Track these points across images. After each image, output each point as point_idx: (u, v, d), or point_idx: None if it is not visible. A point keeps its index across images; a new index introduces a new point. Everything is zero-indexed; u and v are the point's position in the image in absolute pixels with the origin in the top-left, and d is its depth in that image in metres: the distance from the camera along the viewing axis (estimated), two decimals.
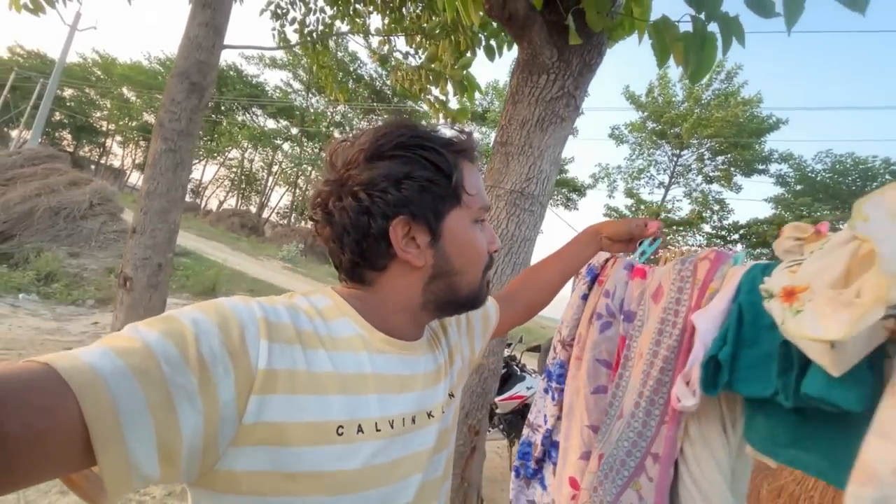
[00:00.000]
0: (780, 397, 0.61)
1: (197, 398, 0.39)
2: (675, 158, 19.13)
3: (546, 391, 1.13)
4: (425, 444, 0.56)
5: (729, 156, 17.65)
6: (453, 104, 3.72)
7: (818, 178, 17.25)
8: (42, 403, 0.32)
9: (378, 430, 0.50)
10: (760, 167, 17.96)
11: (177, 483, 0.41)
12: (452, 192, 0.55)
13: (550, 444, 1.09)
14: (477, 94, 3.57)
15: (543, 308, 0.93)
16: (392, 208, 0.53)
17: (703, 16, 1.30)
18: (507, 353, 3.28)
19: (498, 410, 3.04)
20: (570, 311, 1.11)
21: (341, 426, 0.47)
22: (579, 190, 22.33)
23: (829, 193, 16.87)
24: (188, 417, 0.38)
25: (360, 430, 0.48)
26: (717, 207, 18.29)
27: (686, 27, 1.33)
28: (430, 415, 0.58)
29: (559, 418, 1.07)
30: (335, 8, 3.95)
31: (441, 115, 3.65)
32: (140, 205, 2.58)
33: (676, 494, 0.79)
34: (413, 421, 0.55)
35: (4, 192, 6.63)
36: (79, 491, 0.38)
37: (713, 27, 1.31)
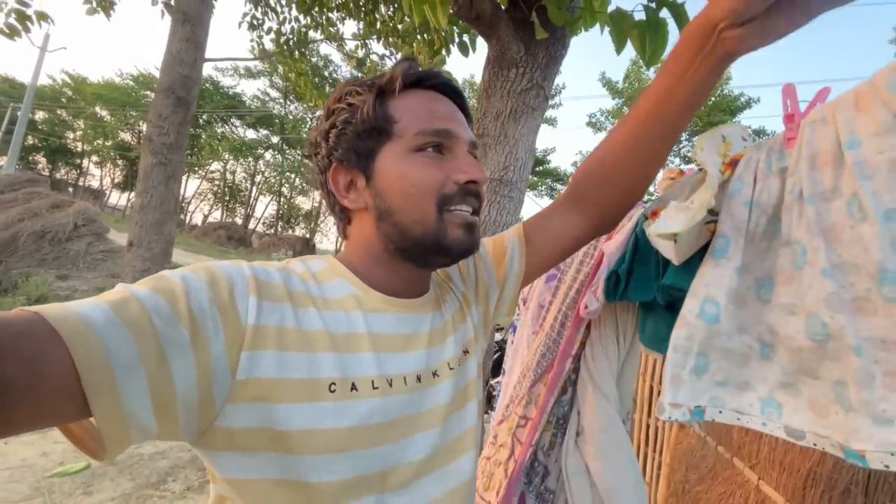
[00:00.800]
0: (658, 297, 0.79)
1: (188, 352, 0.39)
2: None
3: (511, 343, 1.29)
4: (436, 402, 0.55)
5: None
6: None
7: None
8: (36, 351, 0.32)
9: (375, 388, 0.49)
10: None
11: (177, 439, 0.42)
12: (373, 126, 0.53)
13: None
14: None
15: (633, 202, 0.68)
16: (326, 160, 0.56)
17: (653, 4, 1.42)
18: (498, 336, 3.39)
19: (495, 393, 3.16)
20: None
21: (333, 383, 0.46)
22: (562, 179, 22.60)
23: None
24: (180, 370, 0.38)
25: (353, 387, 0.47)
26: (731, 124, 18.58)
27: (640, 16, 1.45)
28: (435, 374, 0.56)
29: None
30: (308, 17, 4.01)
31: None
32: (135, 218, 2.64)
33: (573, 390, 1.04)
34: (418, 380, 0.53)
35: None
36: (79, 444, 0.37)
37: (664, 13, 1.43)
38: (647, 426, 2.24)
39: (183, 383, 0.38)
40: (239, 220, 31.20)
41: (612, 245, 0.92)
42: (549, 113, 20.29)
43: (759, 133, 17.78)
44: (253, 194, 31.63)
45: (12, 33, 3.04)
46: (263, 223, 33.37)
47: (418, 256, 0.55)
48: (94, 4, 3.76)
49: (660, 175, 0.89)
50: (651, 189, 0.87)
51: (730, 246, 0.61)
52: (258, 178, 31.02)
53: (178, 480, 2.42)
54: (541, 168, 21.81)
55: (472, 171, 0.53)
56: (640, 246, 0.85)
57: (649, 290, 0.81)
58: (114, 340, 0.35)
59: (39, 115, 28.88)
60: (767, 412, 0.57)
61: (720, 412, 0.60)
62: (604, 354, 0.99)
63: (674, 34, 1.48)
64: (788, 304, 0.55)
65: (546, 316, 1.12)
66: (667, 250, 0.67)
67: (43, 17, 3.05)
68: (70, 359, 0.33)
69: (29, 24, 3.02)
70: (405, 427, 0.51)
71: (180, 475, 2.48)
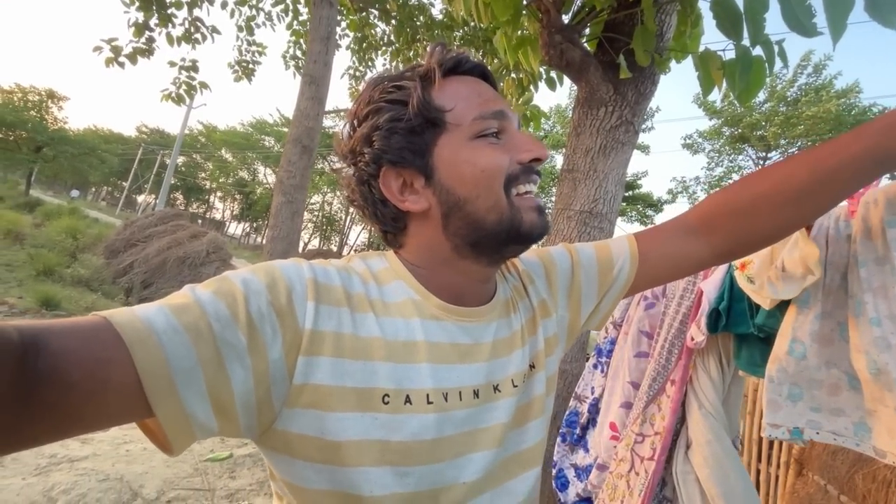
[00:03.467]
0: (753, 331, 0.93)
1: (246, 356, 0.39)
2: (760, 162, 17.73)
3: (595, 366, 1.35)
4: (495, 420, 0.51)
5: None
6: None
7: None
8: (101, 355, 0.33)
9: (430, 403, 0.46)
10: None
11: (241, 437, 0.43)
12: (425, 119, 0.50)
13: (596, 412, 1.31)
14: (542, 120, 3.83)
15: (765, 245, 0.65)
16: (373, 166, 0.51)
17: (746, 42, 1.45)
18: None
19: None
20: None
21: (387, 394, 0.45)
22: (655, 205, 21.36)
23: None
24: (238, 374, 0.39)
25: (407, 400, 0.45)
26: None
27: (732, 54, 1.49)
28: (497, 388, 0.52)
29: (605, 388, 1.30)
30: (406, 65, 4.47)
31: None
32: (266, 248, 3.16)
33: (683, 410, 1.14)
34: (476, 395, 0.50)
35: (144, 248, 7.96)
36: (152, 437, 0.39)
37: (758, 51, 1.45)
38: (759, 471, 2.08)
39: (240, 386, 0.39)
40: (334, 248, 33.77)
41: (710, 284, 1.06)
42: (641, 138, 19.44)
43: None
44: (347, 224, 34.17)
45: (179, 101, 3.81)
46: (355, 250, 35.73)
47: (492, 248, 0.52)
48: (240, 73, 4.61)
49: None
50: None
51: (810, 298, 0.76)
52: (352, 209, 33.39)
53: (230, 439, 2.76)
54: (631, 193, 20.85)
55: (535, 148, 0.51)
56: (734, 286, 0.99)
57: (746, 324, 0.96)
58: (174, 345, 0.36)
59: (180, 160, 34.31)
60: (860, 434, 0.65)
61: (817, 433, 0.71)
62: (707, 377, 1.11)
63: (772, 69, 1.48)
64: (856, 344, 0.67)
65: (654, 345, 1.22)
66: (760, 300, 0.85)
67: (205, 86, 3.81)
68: (132, 363, 0.34)
69: (193, 92, 3.78)
70: (460, 446, 0.48)
71: None
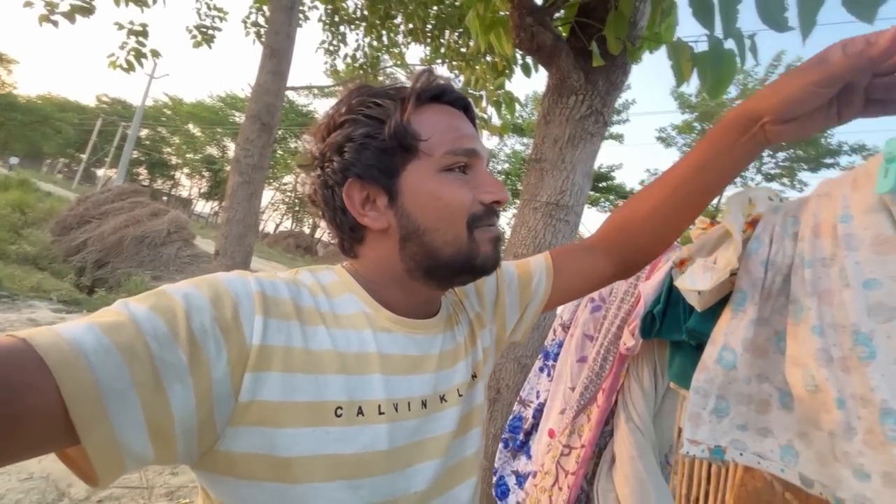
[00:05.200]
0: (685, 337, 0.86)
1: (187, 375, 0.37)
2: None
3: (542, 370, 1.30)
4: (442, 430, 0.53)
5: (791, 151, 16.62)
6: (496, 120, 3.94)
7: None
8: (20, 381, 0.30)
9: (381, 413, 0.47)
10: (829, 161, 16.75)
11: (176, 464, 0.40)
12: (399, 142, 0.50)
13: (540, 417, 1.27)
14: (518, 107, 3.76)
15: (655, 256, 0.72)
16: (340, 175, 0.51)
17: (719, 34, 1.41)
18: None
19: None
20: None
21: (340, 407, 0.44)
22: (626, 196, 21.78)
23: None
24: (178, 395, 0.36)
25: (360, 412, 0.45)
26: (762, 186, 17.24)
27: (705, 47, 1.44)
28: (443, 398, 0.54)
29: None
30: (377, 41, 4.31)
31: (484, 132, 3.85)
32: (221, 230, 2.98)
33: (612, 419, 1.10)
34: (424, 405, 0.51)
35: (99, 225, 7.54)
36: (73, 467, 0.36)
37: (730, 44, 1.41)
38: (710, 465, 2.12)
39: (180, 408, 0.37)
40: (307, 229, 33.11)
41: (649, 286, 0.99)
42: (616, 129, 19.65)
43: (857, 150, 16.14)
44: None
45: (129, 68, 3.54)
46: (329, 233, 35.11)
47: (444, 276, 0.53)
48: (199, 38, 4.32)
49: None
50: None
51: (746, 300, 0.67)
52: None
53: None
54: (605, 184, 21.16)
55: (497, 191, 0.53)
56: (672, 289, 0.92)
57: (679, 330, 0.88)
58: (105, 367, 0.33)
59: (143, 133, 32.69)
60: (786, 459, 0.60)
61: (741, 454, 0.65)
62: (639, 388, 1.05)
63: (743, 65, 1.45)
64: (793, 356, 0.60)
65: (591, 350, 1.17)
66: (691, 299, 0.77)
67: (156, 54, 3.55)
68: (57, 389, 0.31)
69: (143, 60, 3.52)
70: (410, 456, 0.49)
71: None
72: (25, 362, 0.31)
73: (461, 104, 0.56)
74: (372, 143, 0.50)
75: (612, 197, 21.78)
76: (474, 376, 0.60)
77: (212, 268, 3.07)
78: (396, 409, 0.48)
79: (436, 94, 0.53)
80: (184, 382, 0.37)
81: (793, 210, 0.67)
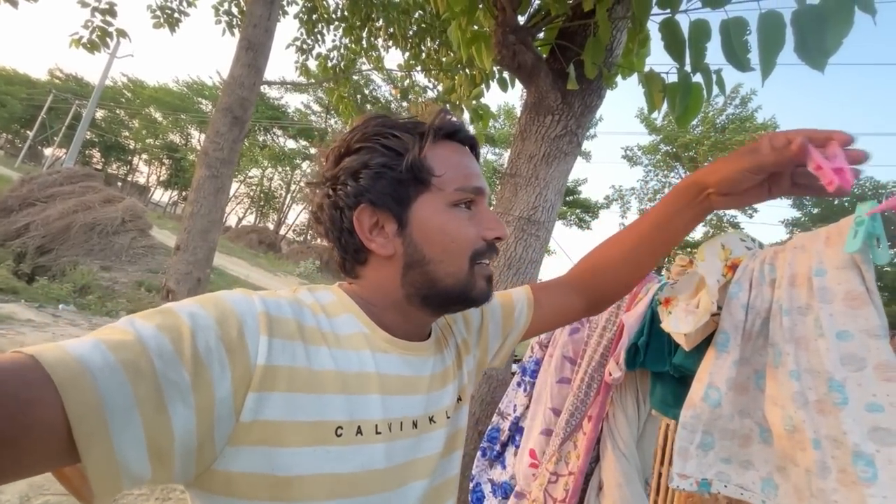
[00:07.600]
0: (669, 369, 0.91)
1: (189, 394, 0.37)
2: None
3: (519, 384, 1.34)
4: (431, 450, 0.55)
5: None
6: (471, 130, 3.98)
7: (835, 202, 17.11)
8: (25, 397, 0.31)
9: (378, 433, 0.48)
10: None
11: (172, 483, 0.39)
12: (414, 175, 0.53)
13: (516, 430, 1.31)
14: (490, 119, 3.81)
15: (621, 296, 0.81)
16: (352, 199, 0.53)
17: (688, 68, 1.49)
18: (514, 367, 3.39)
19: None
20: None
21: (340, 427, 0.45)
22: (592, 210, 22.44)
23: (846, 216, 16.71)
24: (180, 414, 0.37)
25: (359, 431, 0.47)
26: (730, 230, 18.22)
27: (675, 78, 1.52)
28: (432, 419, 0.56)
29: (527, 407, 1.29)
30: (356, 44, 4.26)
31: None
32: (184, 224, 2.84)
33: (598, 446, 1.12)
34: (414, 425, 0.53)
35: (45, 209, 7.05)
36: (70, 487, 0.36)
37: (698, 77, 1.50)
38: (660, 475, 2.20)
39: (181, 427, 0.37)
40: (271, 226, 32.20)
41: (632, 317, 1.03)
42: (584, 145, 20.21)
43: None
44: (287, 202, 32.67)
45: (93, 48, 3.36)
46: (294, 230, 34.32)
47: (440, 304, 0.56)
48: (162, 20, 4.13)
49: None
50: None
51: (729, 342, 0.73)
52: (293, 186, 32.06)
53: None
54: (571, 198, 21.73)
55: (499, 229, 0.56)
56: (655, 321, 0.97)
57: (663, 361, 0.93)
58: (110, 385, 0.33)
59: (99, 114, 30.88)
60: (766, 491, 0.64)
61: (725, 486, 0.70)
62: (624, 416, 1.08)
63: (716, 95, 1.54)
64: (772, 396, 0.65)
65: (574, 376, 1.20)
66: (679, 339, 0.82)
67: (122, 34, 3.37)
68: (62, 406, 0.31)
69: (109, 40, 3.34)
70: (404, 475, 0.51)
71: None
72: (32, 379, 0.31)
73: (469, 143, 0.60)
74: (388, 173, 0.53)
75: (577, 211, 22.41)
76: (459, 399, 0.63)
77: (171, 262, 2.93)
78: (391, 429, 0.50)
79: (450, 133, 0.57)
80: (185, 401, 0.37)
81: (769, 258, 0.74)
